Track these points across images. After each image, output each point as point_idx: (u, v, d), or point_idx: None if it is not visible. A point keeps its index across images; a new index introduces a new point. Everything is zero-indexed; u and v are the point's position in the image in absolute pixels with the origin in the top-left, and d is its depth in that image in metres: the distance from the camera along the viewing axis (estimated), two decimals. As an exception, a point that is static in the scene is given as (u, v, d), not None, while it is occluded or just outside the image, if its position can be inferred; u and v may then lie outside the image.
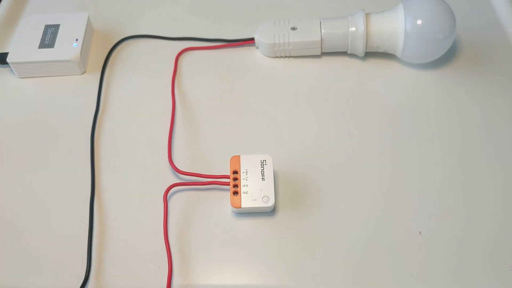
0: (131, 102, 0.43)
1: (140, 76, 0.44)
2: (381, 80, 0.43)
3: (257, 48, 0.46)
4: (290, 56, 0.45)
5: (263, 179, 0.35)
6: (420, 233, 0.34)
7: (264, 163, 0.36)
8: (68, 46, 0.44)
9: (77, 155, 0.39)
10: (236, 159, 0.36)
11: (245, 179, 0.35)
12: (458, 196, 0.36)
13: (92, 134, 0.40)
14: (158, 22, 0.49)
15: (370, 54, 0.45)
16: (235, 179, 0.35)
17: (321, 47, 0.44)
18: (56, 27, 0.45)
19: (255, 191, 0.34)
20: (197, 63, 0.45)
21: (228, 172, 0.36)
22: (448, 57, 0.44)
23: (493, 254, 0.33)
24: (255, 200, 0.34)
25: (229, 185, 0.35)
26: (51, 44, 0.44)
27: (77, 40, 0.44)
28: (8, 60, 0.43)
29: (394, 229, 0.34)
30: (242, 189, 0.35)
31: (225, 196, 0.36)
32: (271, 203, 0.34)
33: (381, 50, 0.44)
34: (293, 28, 0.44)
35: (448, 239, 0.34)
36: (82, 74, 0.45)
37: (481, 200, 0.36)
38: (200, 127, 0.41)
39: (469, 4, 0.49)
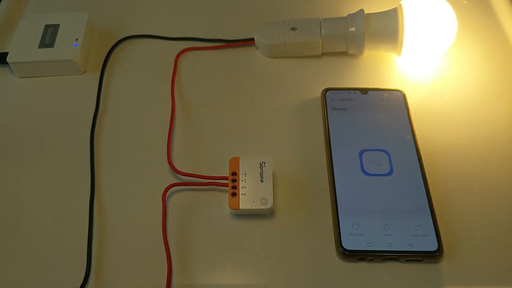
0: (131, 102, 0.43)
1: (140, 76, 0.44)
2: (381, 80, 0.43)
3: (257, 48, 0.46)
4: (290, 56, 0.45)
5: (262, 181, 0.35)
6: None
7: (264, 165, 0.36)
8: (68, 46, 0.44)
9: (77, 154, 0.39)
10: (235, 161, 0.36)
11: (243, 181, 0.35)
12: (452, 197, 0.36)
13: (91, 134, 0.40)
14: (158, 22, 0.49)
15: (370, 54, 0.45)
16: (234, 180, 0.35)
17: (321, 47, 0.44)
18: (56, 27, 0.45)
19: (254, 193, 0.34)
20: (197, 63, 0.45)
21: (227, 173, 0.37)
22: (448, 57, 0.44)
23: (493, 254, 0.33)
24: (254, 202, 0.34)
25: (227, 186, 0.35)
26: (51, 44, 0.44)
27: (77, 40, 0.44)
28: (8, 60, 0.43)
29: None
30: (241, 190, 0.35)
31: (224, 197, 0.36)
32: (269, 205, 0.34)
33: (381, 50, 0.44)
34: (293, 28, 0.44)
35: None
36: (82, 74, 0.45)
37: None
38: (199, 127, 0.41)
39: (469, 4, 0.49)
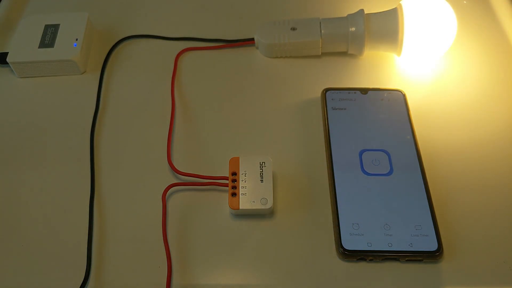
0: (130, 102, 0.43)
1: (140, 76, 0.44)
2: (381, 80, 0.43)
3: (257, 48, 0.46)
4: (290, 56, 0.45)
5: (262, 181, 0.35)
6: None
7: (264, 165, 0.36)
8: (68, 46, 0.44)
9: (77, 155, 0.39)
10: (235, 160, 0.36)
11: (243, 181, 0.35)
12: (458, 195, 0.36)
13: (91, 134, 0.40)
14: (158, 22, 0.49)
15: (370, 54, 0.45)
16: (234, 180, 0.35)
17: (321, 47, 0.44)
18: (56, 27, 0.45)
19: (254, 193, 0.34)
20: (197, 63, 0.45)
21: (227, 173, 0.37)
22: (448, 57, 0.44)
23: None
24: (253, 202, 0.34)
25: (227, 186, 0.35)
26: (51, 44, 0.44)
27: (77, 40, 0.44)
28: (8, 60, 0.43)
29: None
30: (241, 190, 0.35)
31: (224, 197, 0.36)
32: (269, 205, 0.34)
33: (381, 50, 0.44)
34: (293, 28, 0.44)
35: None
36: (82, 74, 0.45)
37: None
38: (199, 127, 0.41)
39: (469, 4, 0.49)
